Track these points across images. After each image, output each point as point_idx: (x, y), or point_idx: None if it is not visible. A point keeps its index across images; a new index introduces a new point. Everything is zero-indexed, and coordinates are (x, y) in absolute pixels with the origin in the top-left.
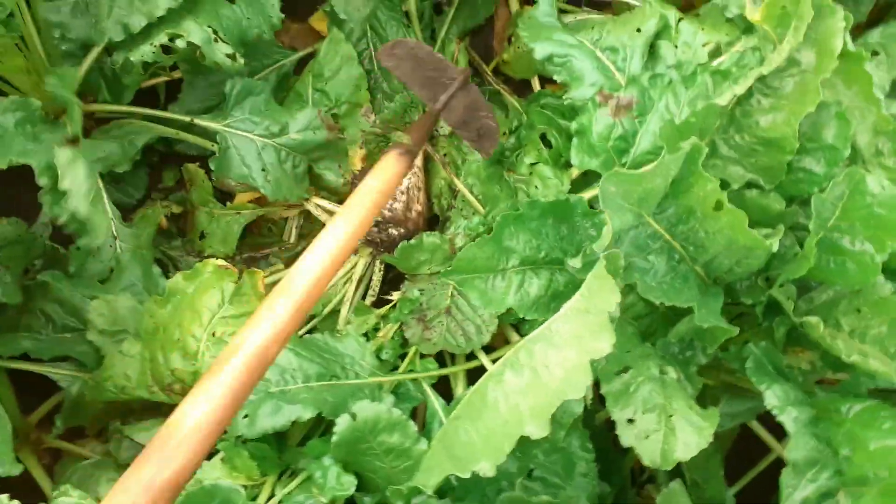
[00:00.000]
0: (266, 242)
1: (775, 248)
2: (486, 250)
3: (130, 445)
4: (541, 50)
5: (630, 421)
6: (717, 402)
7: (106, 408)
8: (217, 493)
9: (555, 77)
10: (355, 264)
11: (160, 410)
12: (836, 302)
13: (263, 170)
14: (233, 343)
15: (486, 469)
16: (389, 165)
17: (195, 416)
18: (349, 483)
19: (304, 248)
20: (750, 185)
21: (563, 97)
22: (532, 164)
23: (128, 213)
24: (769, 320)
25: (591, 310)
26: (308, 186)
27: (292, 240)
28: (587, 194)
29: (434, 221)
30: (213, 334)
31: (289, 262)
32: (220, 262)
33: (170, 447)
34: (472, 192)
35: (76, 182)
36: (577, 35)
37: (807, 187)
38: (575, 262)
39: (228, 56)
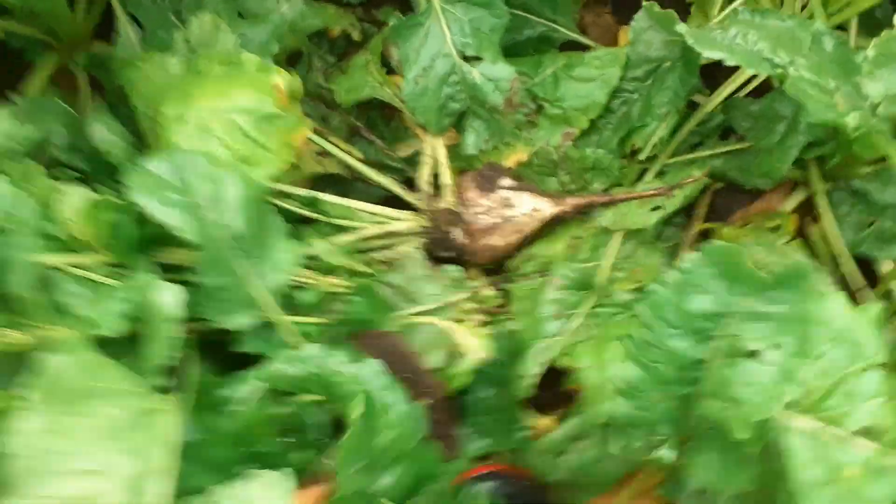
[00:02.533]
0: (378, 130)
1: None
2: None
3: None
4: None
5: None
6: None
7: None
8: None
9: None
10: (399, 218)
11: None
12: None
13: (424, 69)
14: None
15: None
16: None
17: None
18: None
19: (396, 163)
20: None
21: None
22: None
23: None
24: None
25: None
26: (447, 128)
27: (398, 154)
28: None
29: (497, 267)
30: (204, 121)
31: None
32: (281, 78)
33: None
34: None
35: None
36: None
37: None
38: None
39: None
